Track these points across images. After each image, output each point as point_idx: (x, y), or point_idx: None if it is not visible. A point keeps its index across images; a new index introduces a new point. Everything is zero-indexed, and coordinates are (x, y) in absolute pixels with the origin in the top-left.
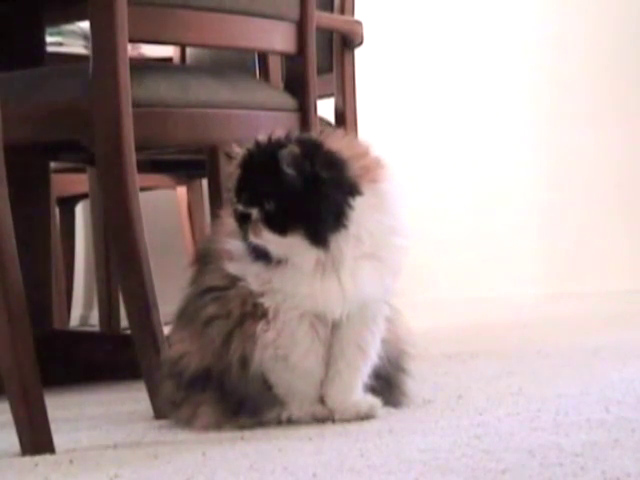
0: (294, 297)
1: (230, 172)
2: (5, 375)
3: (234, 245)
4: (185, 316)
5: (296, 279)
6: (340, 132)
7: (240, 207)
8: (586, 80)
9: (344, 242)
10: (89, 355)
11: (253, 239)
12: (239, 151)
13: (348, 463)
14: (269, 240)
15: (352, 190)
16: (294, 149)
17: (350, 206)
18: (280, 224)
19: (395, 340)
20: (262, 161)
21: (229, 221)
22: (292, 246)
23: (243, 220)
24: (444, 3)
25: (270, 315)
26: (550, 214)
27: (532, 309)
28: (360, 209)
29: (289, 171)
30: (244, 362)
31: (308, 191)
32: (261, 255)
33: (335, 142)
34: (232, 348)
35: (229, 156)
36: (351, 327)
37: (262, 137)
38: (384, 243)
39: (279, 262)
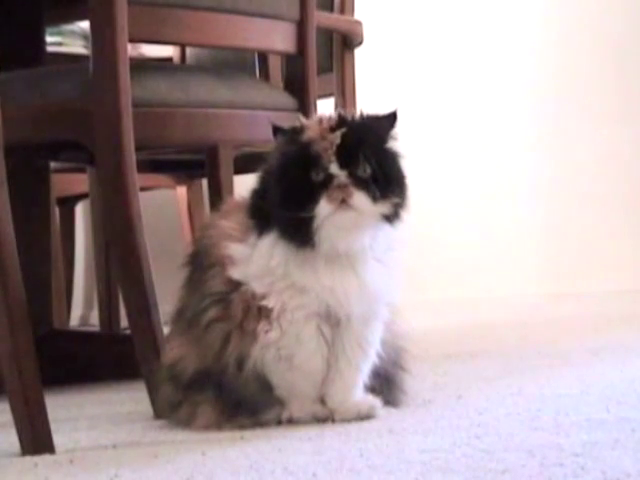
0: (312, 290)
1: (313, 137)
2: (5, 375)
3: (235, 249)
4: (183, 321)
5: (317, 273)
6: None
7: (334, 167)
8: (589, 79)
9: (366, 241)
10: (89, 355)
11: (327, 207)
12: (309, 120)
13: (348, 463)
14: (356, 207)
15: None
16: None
17: None
18: (377, 190)
19: (393, 338)
20: (371, 127)
21: (223, 224)
22: (368, 218)
23: (313, 188)
24: (444, 3)
25: (274, 315)
26: (550, 214)
27: (532, 309)
28: None
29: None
30: (241, 362)
31: (400, 167)
32: (300, 236)
33: None
34: (230, 348)
35: (279, 129)
36: (353, 327)
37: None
38: (389, 250)
39: (313, 247)
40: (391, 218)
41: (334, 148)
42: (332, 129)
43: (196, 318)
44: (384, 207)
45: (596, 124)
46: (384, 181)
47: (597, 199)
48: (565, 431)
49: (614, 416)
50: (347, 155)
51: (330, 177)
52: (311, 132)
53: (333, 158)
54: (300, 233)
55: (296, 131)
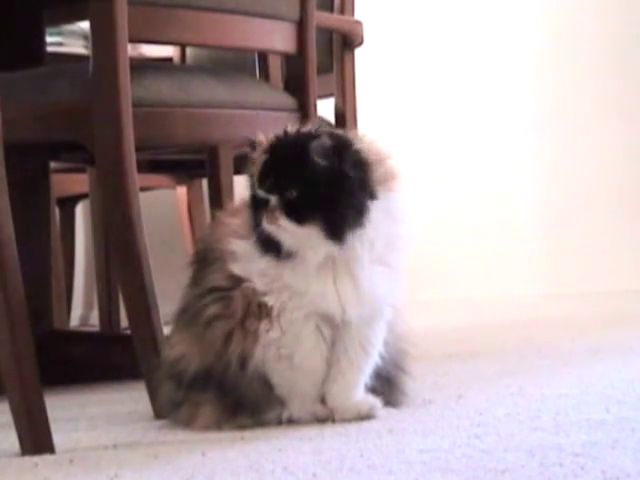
0: (305, 295)
1: (254, 159)
2: (5, 375)
3: (238, 245)
4: (186, 317)
5: (308, 277)
6: (367, 135)
7: (261, 192)
8: (588, 79)
9: (360, 243)
10: (89, 355)
11: (267, 226)
12: (264, 139)
13: (348, 463)
14: (285, 228)
15: (371, 193)
16: (326, 141)
17: (368, 208)
18: (299, 213)
19: (395, 340)
20: (290, 149)
21: (229, 221)
22: (306, 238)
23: (260, 206)
24: (444, 3)
25: (274, 314)
26: (551, 214)
27: (532, 309)
28: (375, 214)
29: (318, 162)
30: (243, 361)
31: (332, 185)
32: (271, 247)
33: (363, 144)
34: (232, 347)
35: (253, 145)
36: (355, 327)
37: (291, 128)
38: (393, 250)
39: (288, 257)
40: (329, 237)
41: (257, 174)
42: (264, 152)
43: (198, 314)
44: (312, 228)
45: (596, 124)
46: (308, 204)
47: (597, 199)
48: (565, 431)
49: (614, 416)
50: (271, 180)
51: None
52: (257, 153)
53: (257, 183)
54: (270, 245)
55: (252, 147)
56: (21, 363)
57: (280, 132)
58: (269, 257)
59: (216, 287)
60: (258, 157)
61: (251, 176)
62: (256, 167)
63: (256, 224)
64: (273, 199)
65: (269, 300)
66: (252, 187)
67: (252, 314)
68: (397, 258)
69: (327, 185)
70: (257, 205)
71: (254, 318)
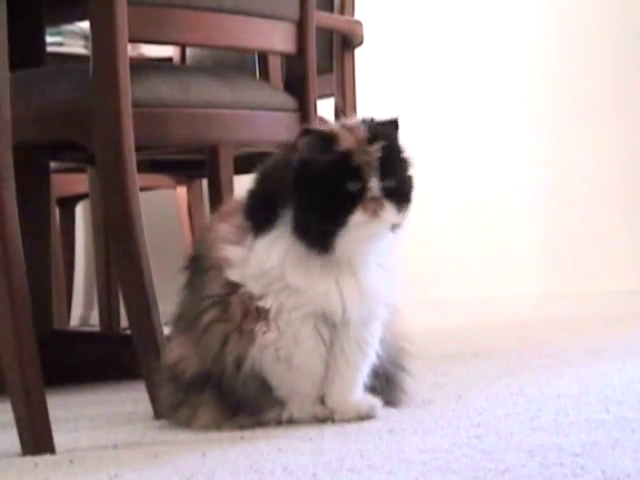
0: (306, 294)
1: (349, 149)
2: (7, 375)
3: (231, 252)
4: (183, 322)
5: (312, 276)
6: None
7: (373, 182)
8: (588, 81)
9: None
10: (89, 355)
11: (361, 217)
12: (337, 129)
13: (348, 463)
14: (382, 218)
15: None
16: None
17: None
18: (402, 201)
19: (393, 338)
20: (393, 139)
21: (219, 228)
22: (386, 228)
23: (343, 199)
24: (444, 3)
25: (271, 315)
26: (550, 214)
27: (532, 309)
28: None
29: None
30: (239, 362)
31: (412, 178)
32: (319, 242)
33: None
34: (228, 349)
35: (310, 131)
36: (351, 327)
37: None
38: (388, 252)
39: (306, 257)
40: (396, 226)
41: (376, 162)
42: (369, 141)
43: (196, 320)
44: (402, 217)
45: (596, 124)
46: (404, 192)
47: (597, 199)
48: (565, 431)
49: (614, 416)
50: (385, 168)
51: (364, 189)
52: (347, 142)
53: (374, 172)
54: (321, 240)
55: (329, 138)
56: (23, 363)
57: (364, 121)
58: (304, 250)
59: (213, 295)
60: (359, 145)
61: (336, 169)
62: (368, 155)
63: (334, 217)
64: (375, 188)
65: (265, 303)
66: (342, 178)
67: (250, 316)
68: (393, 260)
69: (411, 175)
70: (339, 198)
71: (251, 319)
